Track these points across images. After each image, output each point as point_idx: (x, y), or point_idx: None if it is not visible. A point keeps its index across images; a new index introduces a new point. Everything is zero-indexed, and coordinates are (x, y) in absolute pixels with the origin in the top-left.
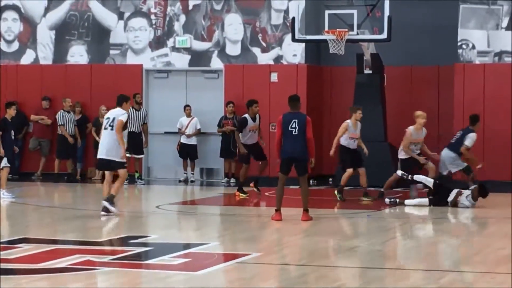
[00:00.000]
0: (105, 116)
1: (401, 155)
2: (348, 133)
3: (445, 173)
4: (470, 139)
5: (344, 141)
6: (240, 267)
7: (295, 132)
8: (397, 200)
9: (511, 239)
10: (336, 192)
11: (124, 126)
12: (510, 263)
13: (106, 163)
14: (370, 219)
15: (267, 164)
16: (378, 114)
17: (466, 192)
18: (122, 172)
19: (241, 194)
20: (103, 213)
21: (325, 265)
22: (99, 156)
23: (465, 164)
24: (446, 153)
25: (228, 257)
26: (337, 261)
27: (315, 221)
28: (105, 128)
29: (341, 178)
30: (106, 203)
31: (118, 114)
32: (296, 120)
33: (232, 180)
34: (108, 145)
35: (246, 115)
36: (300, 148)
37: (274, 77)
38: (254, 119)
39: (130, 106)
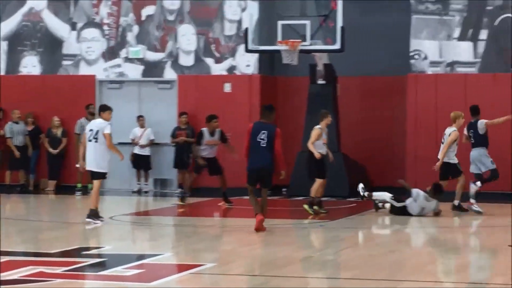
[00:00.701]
0: (88, 128)
1: (447, 158)
2: (320, 139)
3: (478, 171)
4: (481, 126)
5: (315, 147)
6: (194, 278)
7: (263, 143)
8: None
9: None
10: (306, 206)
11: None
12: (460, 273)
13: (92, 174)
14: (323, 228)
15: (225, 178)
16: (331, 123)
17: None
18: (96, 183)
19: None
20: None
21: (279, 275)
22: (87, 167)
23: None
24: (476, 152)
25: (182, 268)
26: (290, 271)
27: (269, 232)
28: (89, 140)
29: (298, 187)
30: (90, 220)
31: (101, 127)
32: (266, 132)
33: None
34: (93, 157)
35: (204, 129)
36: (268, 161)
37: (227, 87)
38: (212, 134)
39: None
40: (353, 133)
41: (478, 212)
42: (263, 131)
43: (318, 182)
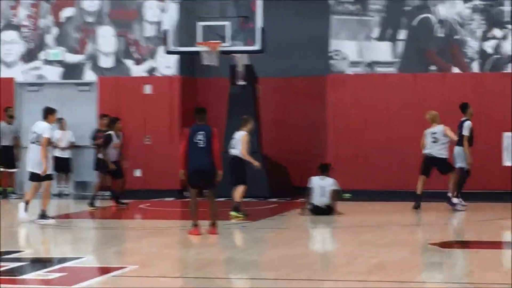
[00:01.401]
0: (32, 130)
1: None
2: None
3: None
4: (466, 128)
5: (240, 153)
6: (115, 281)
7: (201, 144)
8: None
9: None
10: (234, 213)
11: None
12: (382, 271)
13: (33, 175)
14: (246, 229)
15: (125, 181)
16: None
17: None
18: (34, 183)
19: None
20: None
21: (202, 277)
22: (27, 169)
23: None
24: (457, 149)
25: (104, 271)
26: (213, 273)
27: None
28: (32, 143)
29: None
30: (41, 221)
31: (43, 130)
32: (203, 133)
33: (107, 193)
34: (35, 159)
35: (112, 132)
36: (208, 161)
37: (148, 89)
38: (118, 137)
39: (9, 119)
40: (274, 134)
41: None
42: (200, 132)
43: (242, 187)
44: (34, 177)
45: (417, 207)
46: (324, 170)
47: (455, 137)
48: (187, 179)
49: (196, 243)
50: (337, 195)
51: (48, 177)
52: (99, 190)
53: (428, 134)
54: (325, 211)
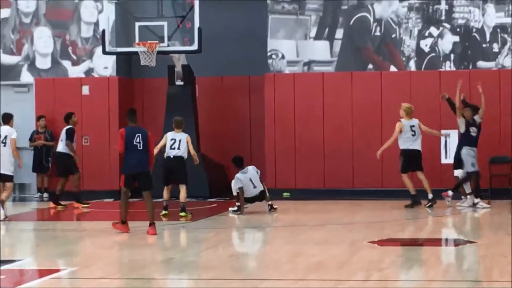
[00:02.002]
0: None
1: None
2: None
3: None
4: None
5: (183, 153)
6: (55, 283)
7: (139, 147)
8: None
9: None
10: (183, 213)
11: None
12: (321, 270)
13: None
14: (184, 229)
15: (80, 178)
16: (190, 124)
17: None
18: (9, 184)
19: (58, 207)
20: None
21: (141, 278)
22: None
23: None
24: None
25: (43, 273)
26: (151, 273)
27: (130, 234)
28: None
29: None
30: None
31: (10, 132)
32: (140, 135)
33: (46, 194)
34: (2, 160)
35: (72, 126)
36: (145, 163)
37: (85, 90)
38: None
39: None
40: (212, 133)
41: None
42: (137, 134)
43: (185, 187)
44: (2, 178)
45: (412, 205)
46: (240, 163)
47: (433, 132)
48: (123, 180)
49: (134, 244)
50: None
51: (11, 178)
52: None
53: (407, 127)
54: (259, 197)
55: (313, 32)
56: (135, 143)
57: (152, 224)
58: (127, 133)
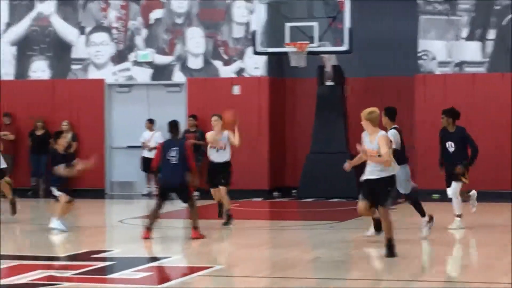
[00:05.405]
0: None
1: None
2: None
3: None
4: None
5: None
6: (202, 280)
7: (173, 161)
8: None
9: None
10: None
11: None
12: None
13: None
14: (332, 230)
15: None
16: (339, 125)
17: None
18: None
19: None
20: None
21: (286, 277)
22: None
23: None
24: None
25: (191, 270)
26: (298, 272)
27: (277, 233)
28: None
29: (308, 189)
30: None
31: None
32: (177, 148)
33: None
34: None
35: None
36: (179, 177)
37: (236, 90)
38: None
39: None
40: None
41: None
42: (173, 148)
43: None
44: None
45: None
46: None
47: None
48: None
49: (280, 243)
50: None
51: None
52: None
53: None
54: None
55: (464, 32)
56: (168, 157)
57: (194, 228)
58: (164, 146)
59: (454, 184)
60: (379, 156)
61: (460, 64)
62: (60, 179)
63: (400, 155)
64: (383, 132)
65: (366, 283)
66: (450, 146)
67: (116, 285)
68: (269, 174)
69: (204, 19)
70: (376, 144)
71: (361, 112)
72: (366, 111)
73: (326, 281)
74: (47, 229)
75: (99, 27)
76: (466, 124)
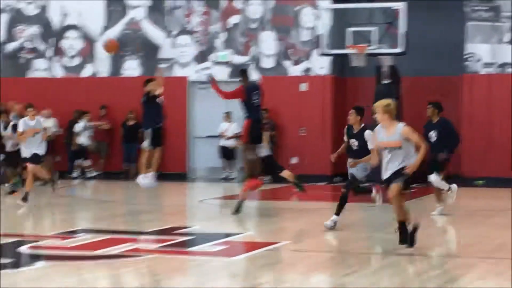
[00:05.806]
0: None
1: None
2: None
3: None
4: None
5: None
6: (270, 254)
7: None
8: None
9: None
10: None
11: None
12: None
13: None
14: (376, 210)
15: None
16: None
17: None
18: None
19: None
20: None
21: (349, 252)
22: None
23: None
24: None
25: (261, 245)
26: (355, 249)
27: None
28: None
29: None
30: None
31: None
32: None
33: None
34: None
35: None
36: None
37: (303, 87)
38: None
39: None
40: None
41: None
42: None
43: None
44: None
45: None
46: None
47: None
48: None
49: (345, 223)
50: None
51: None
52: None
53: None
54: None
55: (507, 37)
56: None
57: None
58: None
59: (434, 176)
60: (400, 148)
61: (502, 65)
62: None
63: None
64: (402, 123)
65: (412, 260)
66: (433, 136)
67: (195, 256)
68: (331, 161)
69: (276, 24)
70: (398, 135)
71: (412, 108)
72: (382, 103)
73: (377, 256)
74: (138, 208)
75: (183, 31)
76: (507, 118)
